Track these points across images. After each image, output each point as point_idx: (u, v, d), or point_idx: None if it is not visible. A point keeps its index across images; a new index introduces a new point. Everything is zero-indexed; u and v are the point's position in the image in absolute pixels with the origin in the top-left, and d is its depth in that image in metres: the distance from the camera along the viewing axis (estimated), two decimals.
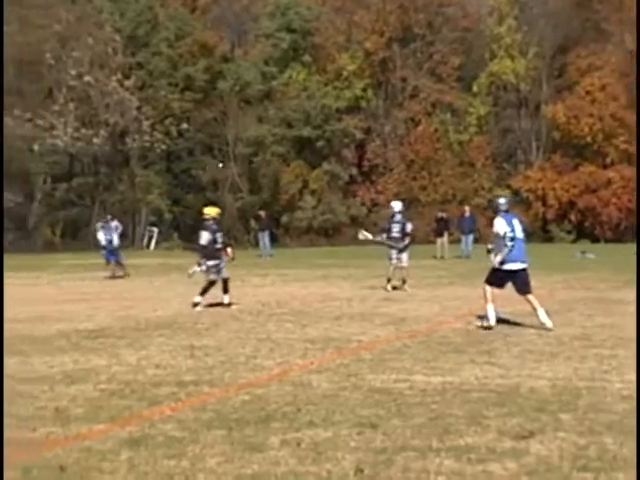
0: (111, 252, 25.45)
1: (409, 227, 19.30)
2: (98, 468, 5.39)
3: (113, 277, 24.71)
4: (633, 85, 44.58)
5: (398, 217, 19.22)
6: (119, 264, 25.41)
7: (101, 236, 25.70)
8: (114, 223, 26.25)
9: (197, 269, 16.19)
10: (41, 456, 5.66)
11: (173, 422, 6.60)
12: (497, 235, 12.24)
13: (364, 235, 19.83)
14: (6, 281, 23.78)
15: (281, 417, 6.73)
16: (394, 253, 18.95)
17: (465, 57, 51.93)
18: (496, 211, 12.51)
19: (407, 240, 19.22)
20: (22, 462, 5.49)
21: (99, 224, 26.88)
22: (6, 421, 6.63)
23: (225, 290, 15.96)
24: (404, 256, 19.09)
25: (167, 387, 8.02)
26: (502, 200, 12.72)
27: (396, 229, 19.02)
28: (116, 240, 25.63)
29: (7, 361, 9.64)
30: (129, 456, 5.64)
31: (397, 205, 19.66)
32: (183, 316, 14.46)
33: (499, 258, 12.09)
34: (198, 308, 15.51)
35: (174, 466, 5.44)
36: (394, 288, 18.68)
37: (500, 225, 12.18)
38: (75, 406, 7.18)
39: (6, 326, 13.06)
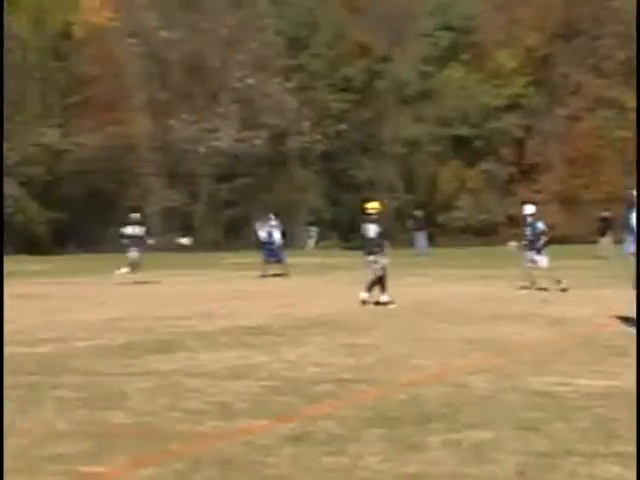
0: (272, 250, 25.95)
1: (540, 226, 19.23)
2: (262, 462, 5.51)
3: (273, 275, 25.20)
4: None
5: (528, 220, 19.26)
6: (280, 262, 25.88)
7: (263, 235, 26.27)
8: (274, 222, 26.78)
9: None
10: (208, 449, 5.85)
11: (333, 419, 6.68)
12: (631, 228, 11.91)
13: (512, 246, 20.08)
14: (174, 279, 24.64)
15: (440, 417, 6.70)
16: (527, 255, 18.99)
17: (631, 51, 50.07)
18: (630, 204, 12.15)
19: (542, 240, 19.13)
20: (191, 455, 5.68)
21: (258, 223, 27.49)
22: (175, 414, 6.88)
23: (382, 288, 16.03)
24: (542, 257, 18.98)
25: (326, 385, 8.12)
26: (635, 192, 12.30)
27: (528, 232, 19.16)
28: (277, 239, 26.13)
29: (177, 356, 10.00)
30: (291, 451, 5.75)
31: (526, 208, 19.78)
32: (341, 314, 14.59)
33: (630, 248, 11.80)
34: (368, 305, 15.64)
35: (335, 463, 5.51)
36: (542, 289, 18.42)
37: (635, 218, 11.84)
38: (239, 401, 7.36)
39: (176, 322, 13.55)
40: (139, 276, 22.95)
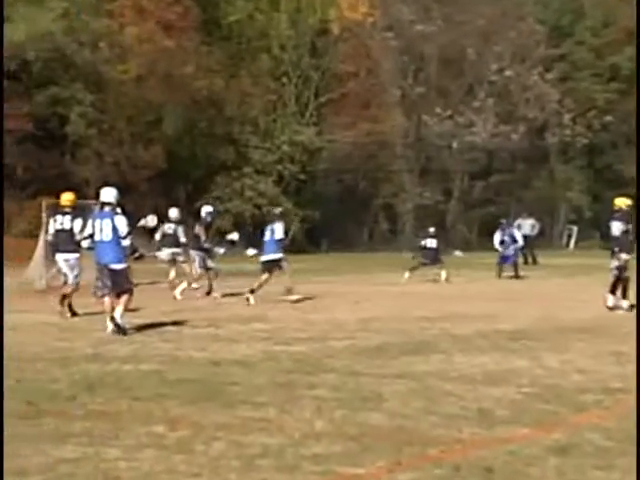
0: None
1: None
2: (525, 473, 5.45)
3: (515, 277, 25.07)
4: None
5: None
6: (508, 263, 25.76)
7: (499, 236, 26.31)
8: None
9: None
10: (468, 456, 5.85)
11: (600, 431, 6.49)
12: None
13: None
14: (426, 280, 24.77)
15: None
16: None
17: None
18: None
19: None
20: (450, 461, 5.71)
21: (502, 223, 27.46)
22: (432, 419, 6.92)
23: (614, 291, 15.42)
24: None
25: (592, 394, 7.90)
26: None
27: None
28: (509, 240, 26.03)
29: (432, 358, 10.05)
30: (556, 463, 5.64)
31: None
32: (604, 319, 14.17)
33: None
34: (631, 312, 15.06)
35: (603, 478, 5.36)
36: None
37: None
38: (498, 408, 7.30)
39: (430, 324, 13.61)
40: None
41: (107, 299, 12.38)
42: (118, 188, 13.18)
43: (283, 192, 42.33)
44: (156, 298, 17.92)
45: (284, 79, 43.18)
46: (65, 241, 14.51)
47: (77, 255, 14.46)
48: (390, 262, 27.00)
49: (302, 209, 41.79)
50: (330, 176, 45.05)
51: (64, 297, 14.45)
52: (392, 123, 46.19)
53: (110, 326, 12.13)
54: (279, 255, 17.66)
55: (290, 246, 41.93)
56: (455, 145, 46.77)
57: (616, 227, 15.58)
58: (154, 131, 39.42)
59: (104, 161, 37.77)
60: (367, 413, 7.08)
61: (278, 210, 19.62)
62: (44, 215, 19.49)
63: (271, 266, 17.51)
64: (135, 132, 38.99)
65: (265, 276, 17.43)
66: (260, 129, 42.50)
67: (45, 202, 20.50)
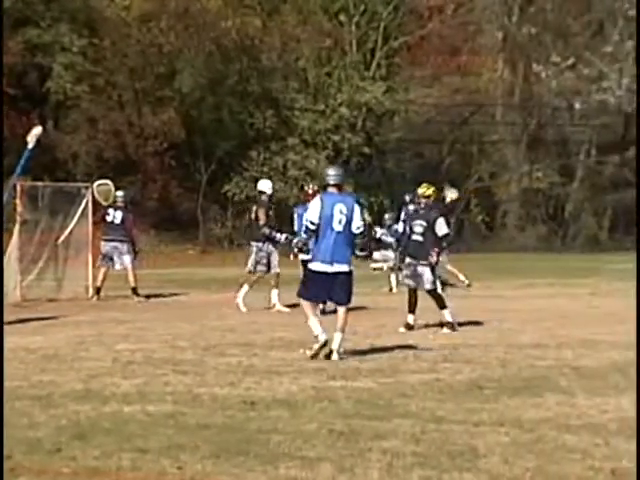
0: None
1: None
2: None
3: None
4: None
5: None
6: None
7: None
8: None
9: None
10: None
11: None
12: None
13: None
14: (531, 290, 24.61)
15: None
16: None
17: None
18: None
19: None
20: None
21: None
22: None
23: None
24: None
25: None
26: None
27: None
28: None
29: (545, 400, 10.01)
30: None
31: None
32: None
33: None
34: None
35: None
36: None
37: None
38: None
39: (540, 352, 13.56)
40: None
41: None
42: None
43: None
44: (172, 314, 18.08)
45: (342, 17, 43.18)
46: None
47: None
48: (488, 266, 26.77)
49: (366, 194, 41.79)
50: (405, 149, 45.04)
51: None
52: (490, 76, 46.05)
53: None
54: None
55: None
56: (578, 106, 46.49)
57: None
58: (166, 89, 39.64)
59: (98, 129, 38.03)
60: (457, 474, 7.07)
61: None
62: (18, 202, 19.97)
63: None
64: (140, 90, 39.22)
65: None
66: (309, 85, 42.56)
67: (20, 184, 20.80)
